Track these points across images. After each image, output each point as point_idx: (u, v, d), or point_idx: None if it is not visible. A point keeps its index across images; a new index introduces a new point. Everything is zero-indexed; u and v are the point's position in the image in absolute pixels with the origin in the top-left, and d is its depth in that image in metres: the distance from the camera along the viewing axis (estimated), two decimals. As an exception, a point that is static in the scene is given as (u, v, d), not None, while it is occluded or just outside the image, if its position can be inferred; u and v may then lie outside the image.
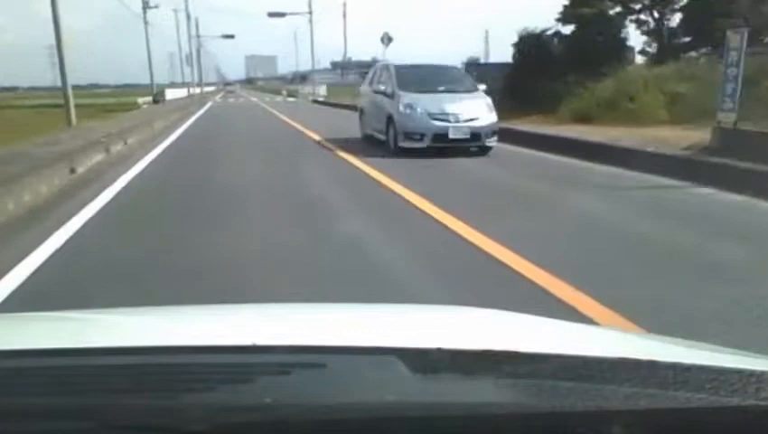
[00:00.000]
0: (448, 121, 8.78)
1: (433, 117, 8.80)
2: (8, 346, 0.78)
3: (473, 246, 3.96)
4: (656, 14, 17.22)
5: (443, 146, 8.74)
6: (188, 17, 50.20)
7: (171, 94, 41.58)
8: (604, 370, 0.65)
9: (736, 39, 7.26)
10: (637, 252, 3.95)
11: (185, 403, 0.60)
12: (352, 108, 22.73)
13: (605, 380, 0.63)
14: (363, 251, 3.85)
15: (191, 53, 51.01)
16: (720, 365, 0.67)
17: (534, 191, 6.41)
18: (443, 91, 9.42)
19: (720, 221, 4.92)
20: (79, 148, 8.28)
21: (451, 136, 8.75)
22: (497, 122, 9.19)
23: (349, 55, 46.16)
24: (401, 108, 9.00)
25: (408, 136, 8.86)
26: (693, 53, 16.56)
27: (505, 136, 9.75)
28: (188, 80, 51.86)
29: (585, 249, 4.03)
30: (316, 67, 73.49)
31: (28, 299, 3.03)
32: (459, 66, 14.83)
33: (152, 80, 36.28)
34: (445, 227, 4.51)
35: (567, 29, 16.18)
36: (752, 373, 0.62)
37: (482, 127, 8.85)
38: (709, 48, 15.00)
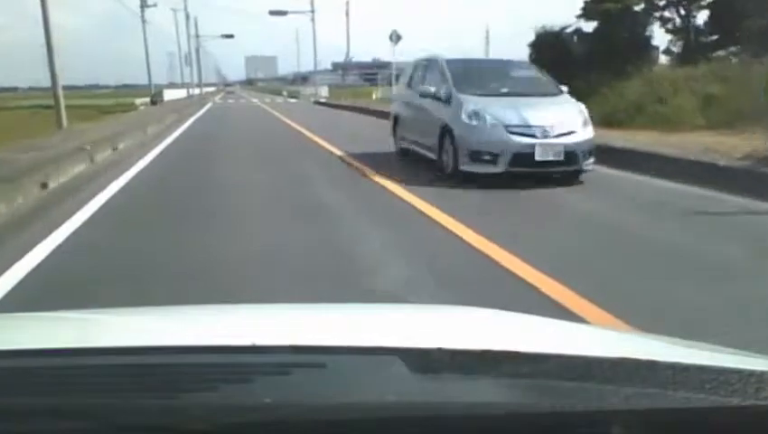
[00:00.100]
0: (533, 136, 6.19)
1: (510, 130, 6.25)
2: (8, 346, 0.78)
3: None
4: (682, 11, 16.25)
5: (527, 171, 6.19)
6: (186, 16, 49.20)
7: (169, 95, 40.92)
8: (604, 370, 0.65)
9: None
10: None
11: (185, 403, 0.60)
12: (362, 110, 21.28)
13: (605, 380, 0.63)
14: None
15: (189, 53, 50.00)
16: (720, 365, 0.67)
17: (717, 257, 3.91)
18: (517, 94, 6.94)
19: None
20: (58, 156, 7.29)
21: (538, 157, 6.14)
22: (593, 137, 6.63)
23: (350, 56, 45.22)
24: (464, 117, 6.46)
25: (475, 156, 6.31)
26: (721, 53, 15.59)
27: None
28: (187, 80, 50.84)
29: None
30: (318, 67, 72.67)
31: None
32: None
33: (150, 80, 35.52)
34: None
35: (589, 26, 15.19)
36: (752, 373, 0.62)
37: (578, 145, 6.32)
38: (737, 47, 14.03)
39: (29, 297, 3.13)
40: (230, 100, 42.69)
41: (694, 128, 9.92)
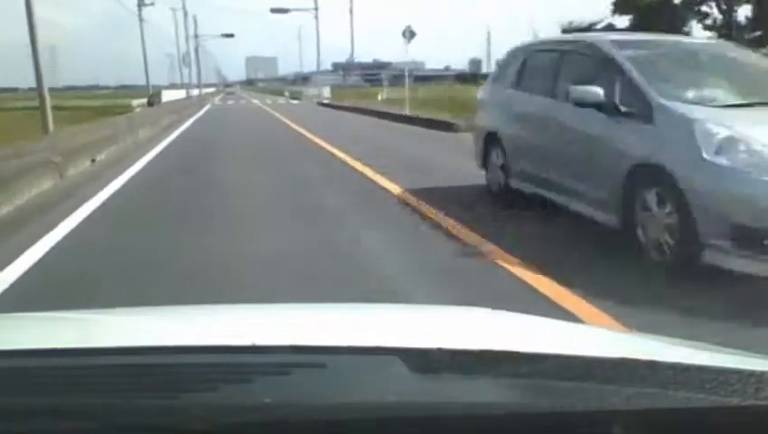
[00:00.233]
0: None
1: None
2: (8, 346, 0.78)
3: None
4: (723, 6, 14.94)
5: None
6: (185, 14, 47.72)
7: (168, 96, 39.74)
8: (604, 370, 0.65)
9: None
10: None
11: (185, 403, 0.60)
12: (374, 113, 19.22)
13: (605, 380, 0.63)
14: None
15: (188, 53, 48.56)
16: (720, 365, 0.68)
17: None
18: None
19: None
20: (18, 173, 5.94)
21: None
22: None
23: (349, 57, 43.94)
24: (706, 149, 3.19)
25: (746, 236, 2.94)
26: (764, 51, 14.25)
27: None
28: (186, 81, 49.45)
29: None
30: (318, 67, 71.40)
31: None
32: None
33: (147, 80, 34.43)
34: None
35: (622, 21, 13.85)
36: (752, 373, 0.62)
37: None
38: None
39: None
40: (230, 102, 41.23)
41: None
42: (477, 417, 0.58)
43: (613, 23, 13.54)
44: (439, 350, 0.69)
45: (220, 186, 6.92)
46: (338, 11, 45.98)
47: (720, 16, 15.02)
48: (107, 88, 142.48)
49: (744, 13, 14.87)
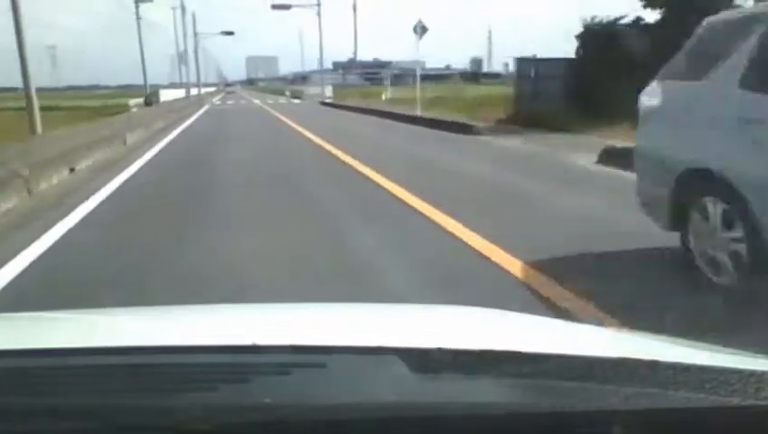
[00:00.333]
0: None
1: None
2: (8, 346, 0.78)
3: None
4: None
5: None
6: (183, 10, 46.92)
7: (167, 95, 39.16)
8: (604, 370, 0.65)
9: None
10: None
11: (185, 403, 0.60)
12: (382, 114, 18.11)
13: (606, 380, 0.63)
14: None
15: (185, 51, 47.84)
16: (720, 365, 0.67)
17: None
18: None
19: None
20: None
21: None
22: None
23: (350, 56, 43.32)
24: None
25: None
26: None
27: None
28: (186, 80, 48.77)
29: None
30: (318, 67, 70.81)
31: None
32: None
33: (145, 79, 33.96)
34: None
35: (652, 15, 12.97)
36: (752, 373, 0.62)
37: None
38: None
39: None
40: (230, 102, 40.35)
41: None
42: (477, 417, 0.58)
43: (642, 16, 12.67)
44: (439, 350, 0.69)
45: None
46: (337, 10, 45.39)
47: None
48: (107, 87, 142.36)
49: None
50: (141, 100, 32.23)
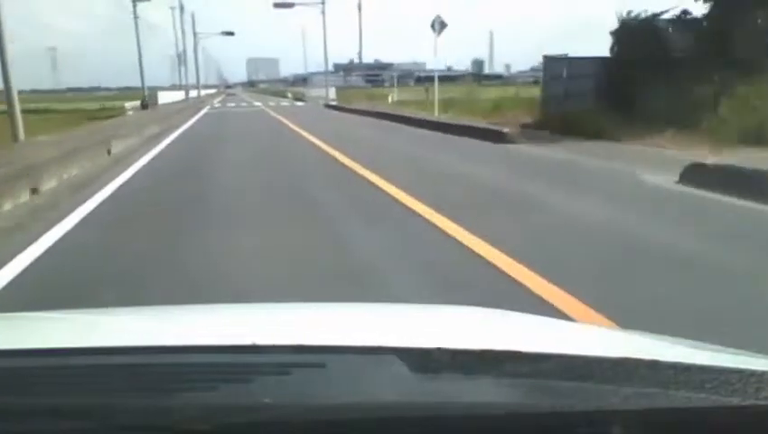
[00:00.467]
0: None
1: None
2: (8, 346, 0.78)
3: None
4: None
5: None
6: (181, 9, 45.52)
7: (166, 97, 38.09)
8: (604, 370, 0.65)
9: None
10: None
11: (185, 403, 0.59)
12: (395, 118, 16.48)
13: (605, 380, 0.62)
14: None
15: (184, 51, 46.48)
16: (720, 365, 0.67)
17: None
18: None
19: None
20: None
21: None
22: None
23: (351, 57, 42.24)
24: None
25: None
26: None
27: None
28: (185, 81, 47.51)
29: None
30: (319, 69, 69.72)
31: None
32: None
33: (143, 81, 32.95)
34: None
35: (698, 8, 11.66)
36: (752, 373, 0.62)
37: None
38: None
39: None
40: (230, 104, 38.88)
41: None
42: (477, 417, 0.58)
43: (689, 9, 11.34)
44: (439, 350, 0.68)
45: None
46: (338, 11, 44.14)
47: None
48: (108, 90, 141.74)
49: None
50: (138, 103, 31.07)
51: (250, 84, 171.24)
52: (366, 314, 1.15)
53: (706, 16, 11.23)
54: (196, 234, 4.57)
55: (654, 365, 0.67)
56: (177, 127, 17.16)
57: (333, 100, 34.04)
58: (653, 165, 7.16)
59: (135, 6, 32.51)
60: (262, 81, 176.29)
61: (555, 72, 13.01)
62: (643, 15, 11.86)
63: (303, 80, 74.84)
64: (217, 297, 2.93)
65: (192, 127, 18.43)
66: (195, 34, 50.80)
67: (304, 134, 13.96)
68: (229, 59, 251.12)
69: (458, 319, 1.08)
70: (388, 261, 3.81)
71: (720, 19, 10.84)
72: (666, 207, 5.42)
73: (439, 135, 12.70)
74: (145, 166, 8.96)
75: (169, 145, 12.50)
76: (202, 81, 63.44)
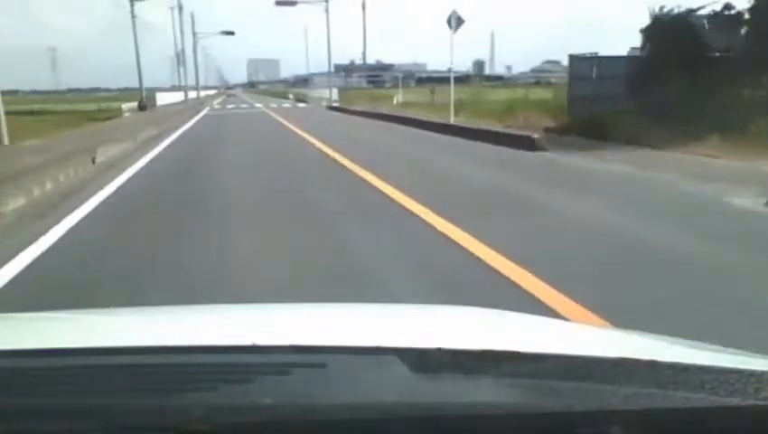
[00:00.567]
0: None
1: None
2: (8, 346, 0.78)
3: None
4: None
5: None
6: (180, 9, 44.39)
7: (165, 98, 37.21)
8: (604, 370, 0.65)
9: None
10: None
11: (185, 403, 0.59)
12: (408, 122, 15.21)
13: (605, 380, 0.62)
14: None
15: (182, 51, 45.39)
16: (720, 365, 0.67)
17: None
18: None
19: None
20: None
21: None
22: None
23: (352, 58, 41.36)
24: None
25: None
26: None
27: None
28: (184, 82, 46.49)
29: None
30: (319, 70, 68.88)
31: None
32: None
33: (140, 82, 32.11)
34: None
35: (741, 2, 10.73)
36: (752, 373, 0.62)
37: None
38: None
39: None
40: (230, 105, 37.83)
41: None
42: (477, 417, 0.58)
43: (731, 2, 10.39)
44: (439, 350, 0.68)
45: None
46: (338, 12, 43.12)
47: None
48: (108, 90, 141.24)
49: None
50: (135, 105, 30.15)
51: (251, 85, 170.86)
52: (365, 314, 1.15)
53: (751, 10, 10.28)
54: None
55: (653, 365, 0.67)
56: (176, 128, 16.43)
57: (336, 102, 33.11)
58: (725, 181, 6.16)
59: (132, 5, 31.61)
60: (262, 82, 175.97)
61: (582, 73, 12.01)
62: (679, 11, 10.95)
63: (303, 80, 74.00)
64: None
65: (191, 128, 17.67)
66: (194, 34, 49.85)
67: (306, 135, 12.95)
68: (229, 60, 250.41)
69: (458, 319, 1.08)
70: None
71: (763, 13, 9.90)
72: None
73: (462, 142, 11.36)
74: (138, 171, 8.02)
75: (165, 149, 11.56)
76: (202, 82, 62.72)
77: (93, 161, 8.44)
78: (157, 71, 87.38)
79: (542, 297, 3.06)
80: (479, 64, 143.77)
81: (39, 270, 3.77)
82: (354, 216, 5.29)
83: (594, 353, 0.74)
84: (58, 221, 5.03)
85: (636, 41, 11.66)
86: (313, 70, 69.40)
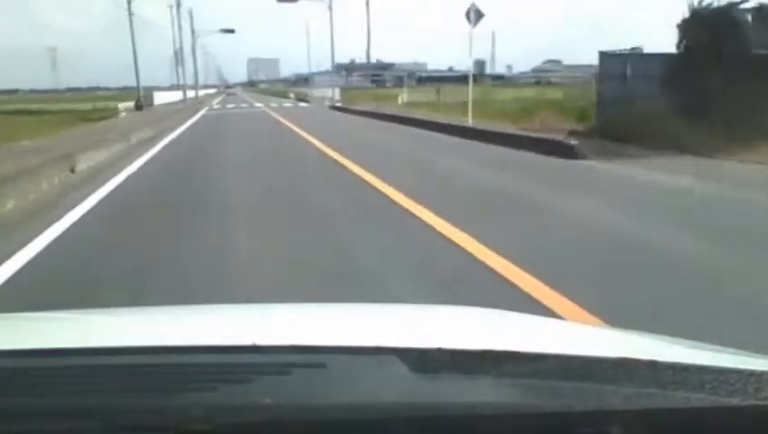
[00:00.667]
0: None
1: None
2: (8, 346, 0.77)
3: None
4: None
5: None
6: (178, 6, 43.34)
7: (163, 98, 36.36)
8: (604, 370, 0.64)
9: None
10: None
11: (185, 403, 0.59)
12: (424, 124, 13.91)
13: (605, 380, 0.62)
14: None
15: (181, 49, 44.37)
16: (720, 365, 0.66)
17: None
18: None
19: None
20: None
21: None
22: None
23: (352, 57, 40.48)
24: None
25: None
26: None
27: None
28: (183, 81, 45.56)
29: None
30: (319, 69, 67.93)
31: None
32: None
33: (138, 81, 31.41)
34: None
35: None
36: (752, 373, 0.62)
37: None
38: None
39: None
40: (230, 105, 36.77)
41: None
42: (477, 417, 0.57)
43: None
44: (439, 350, 0.68)
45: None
46: (338, 12, 42.18)
47: None
48: (108, 89, 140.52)
49: None
50: (132, 104, 29.29)
51: (250, 84, 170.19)
52: (365, 314, 1.15)
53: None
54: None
55: (653, 365, 0.67)
56: (173, 129, 15.64)
57: (339, 101, 32.19)
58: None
59: (129, 4, 30.74)
60: (262, 81, 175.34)
61: (612, 71, 10.98)
62: (716, 4, 10.06)
63: (304, 80, 73.19)
64: None
65: (190, 128, 16.99)
66: (194, 32, 48.91)
67: (311, 138, 11.83)
68: (229, 59, 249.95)
69: (458, 319, 1.07)
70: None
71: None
72: None
73: (495, 149, 9.84)
74: (126, 179, 7.30)
75: (159, 152, 10.70)
76: (202, 81, 61.90)
77: (72, 169, 7.48)
78: (156, 70, 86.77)
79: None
80: (480, 64, 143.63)
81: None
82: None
83: (594, 353, 0.74)
84: (9, 256, 3.87)
85: (637, 41, 10.91)
86: (313, 70, 68.47)
